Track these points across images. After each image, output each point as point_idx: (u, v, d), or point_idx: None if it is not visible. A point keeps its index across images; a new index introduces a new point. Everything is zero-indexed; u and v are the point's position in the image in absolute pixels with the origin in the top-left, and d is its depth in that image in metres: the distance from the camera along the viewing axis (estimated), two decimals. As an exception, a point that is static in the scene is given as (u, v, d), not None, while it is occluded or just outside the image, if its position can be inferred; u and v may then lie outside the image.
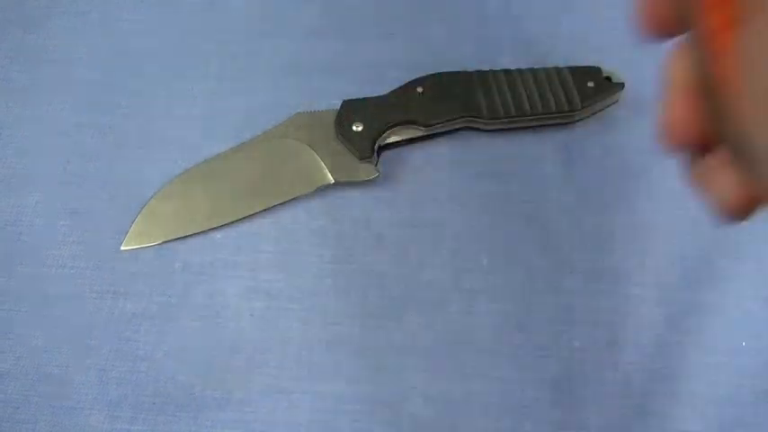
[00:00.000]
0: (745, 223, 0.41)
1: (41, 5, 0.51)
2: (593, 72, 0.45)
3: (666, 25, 0.22)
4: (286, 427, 0.37)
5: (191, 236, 0.42)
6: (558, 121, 0.44)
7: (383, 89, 0.45)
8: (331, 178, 0.43)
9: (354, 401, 0.37)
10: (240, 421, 0.37)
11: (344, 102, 0.44)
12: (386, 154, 0.45)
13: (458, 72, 0.45)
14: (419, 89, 0.44)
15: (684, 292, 0.39)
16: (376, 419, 0.36)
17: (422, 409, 0.37)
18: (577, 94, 0.44)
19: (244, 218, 0.42)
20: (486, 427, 0.36)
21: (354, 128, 0.43)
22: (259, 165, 0.44)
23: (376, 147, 0.43)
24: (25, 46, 0.50)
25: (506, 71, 0.45)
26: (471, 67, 0.46)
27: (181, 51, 0.49)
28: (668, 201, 0.42)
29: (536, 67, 0.45)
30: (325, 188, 0.43)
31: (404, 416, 0.37)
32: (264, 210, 0.43)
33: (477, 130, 0.45)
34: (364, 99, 0.45)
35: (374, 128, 0.43)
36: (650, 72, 0.47)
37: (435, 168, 0.44)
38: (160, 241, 0.42)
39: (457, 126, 0.45)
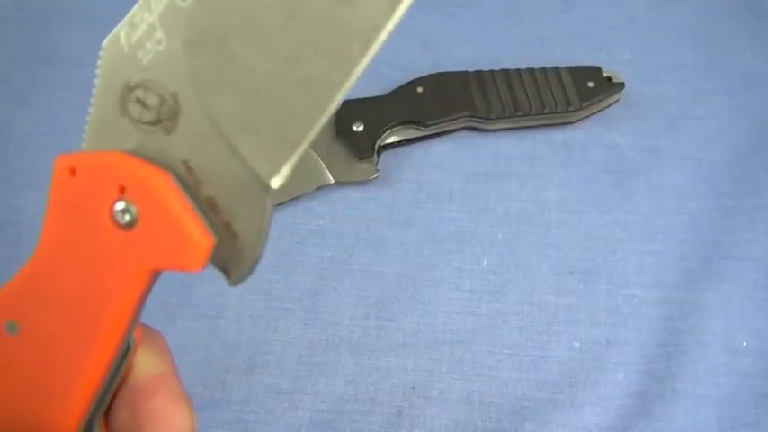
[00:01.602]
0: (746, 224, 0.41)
1: (41, 5, 0.51)
2: (593, 72, 0.45)
3: None
4: (286, 428, 0.37)
5: (191, 236, 0.42)
6: (558, 120, 0.44)
7: (383, 89, 0.45)
8: (331, 178, 0.43)
9: (354, 402, 0.37)
10: (240, 421, 0.37)
11: (344, 102, 0.44)
12: (386, 154, 0.45)
13: (457, 72, 0.45)
14: (419, 89, 0.44)
15: (684, 292, 0.39)
16: (376, 419, 0.36)
17: (422, 409, 0.37)
18: (577, 93, 0.44)
19: (244, 218, 0.42)
20: (486, 427, 0.36)
21: (354, 128, 0.43)
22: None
23: (376, 147, 0.43)
24: (25, 46, 0.50)
25: (506, 71, 0.45)
26: (471, 67, 0.46)
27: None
28: (668, 200, 0.42)
29: (536, 67, 0.45)
30: (325, 188, 0.43)
31: (404, 416, 0.37)
32: (264, 210, 0.43)
33: (477, 130, 0.45)
34: (364, 99, 0.45)
35: (374, 128, 0.43)
36: (650, 72, 0.48)
37: (435, 168, 0.44)
38: (160, 241, 0.42)
39: (457, 126, 0.45)
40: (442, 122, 0.44)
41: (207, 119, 0.18)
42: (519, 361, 0.38)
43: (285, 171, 0.17)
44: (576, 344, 0.38)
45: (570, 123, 0.45)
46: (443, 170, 0.44)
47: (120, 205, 0.18)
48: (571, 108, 0.44)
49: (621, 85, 0.44)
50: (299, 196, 0.43)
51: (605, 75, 0.45)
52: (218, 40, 0.17)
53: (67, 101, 0.47)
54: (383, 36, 0.17)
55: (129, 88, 0.18)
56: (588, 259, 0.40)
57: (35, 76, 0.48)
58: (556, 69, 0.45)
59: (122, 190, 0.18)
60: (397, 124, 0.44)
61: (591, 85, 0.44)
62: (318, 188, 0.43)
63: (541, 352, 0.38)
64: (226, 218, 0.18)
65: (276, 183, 0.17)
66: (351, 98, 0.44)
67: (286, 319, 0.39)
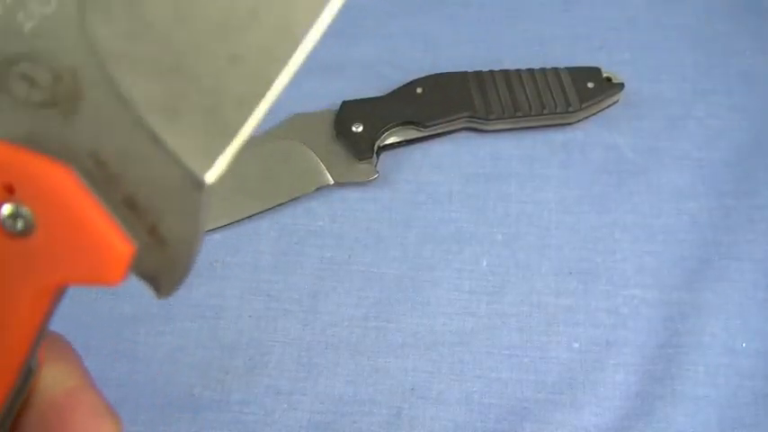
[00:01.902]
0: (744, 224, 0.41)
1: (41, 6, 0.51)
2: (592, 72, 0.45)
3: None
4: (285, 429, 0.37)
5: (190, 237, 0.42)
6: (558, 121, 0.44)
7: (383, 89, 0.45)
8: (330, 179, 0.43)
9: (354, 402, 0.37)
10: (239, 422, 0.37)
11: (344, 102, 0.44)
12: (385, 154, 0.45)
13: (457, 72, 0.45)
14: (419, 89, 0.44)
15: (684, 293, 0.39)
16: (375, 420, 0.36)
17: (421, 410, 0.37)
18: (577, 94, 0.44)
19: (244, 218, 0.42)
20: (486, 428, 0.36)
21: (354, 128, 0.43)
22: (259, 165, 0.44)
23: (375, 147, 0.43)
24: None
25: (506, 71, 0.45)
26: (471, 67, 0.46)
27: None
28: (668, 201, 0.42)
29: (535, 67, 0.45)
30: (324, 189, 0.43)
31: (403, 417, 0.37)
32: (264, 210, 0.43)
33: (477, 130, 0.45)
34: (364, 99, 0.44)
35: (374, 128, 0.43)
36: (650, 72, 0.48)
37: (435, 168, 0.44)
38: (159, 242, 0.42)
39: (456, 126, 0.45)
40: (441, 123, 0.44)
41: (118, 101, 0.14)
42: (518, 362, 0.38)
43: (222, 164, 0.15)
44: (576, 345, 0.38)
45: (570, 124, 0.45)
46: (443, 171, 0.44)
47: (7, 209, 0.14)
48: (571, 108, 0.43)
49: (621, 86, 0.44)
50: (298, 197, 0.43)
51: (605, 75, 0.45)
52: (125, 2, 0.14)
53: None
54: (336, 3, 0.14)
55: (9, 61, 0.15)
56: (588, 260, 0.40)
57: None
58: (555, 70, 0.45)
59: (10, 190, 0.14)
60: (397, 125, 0.44)
61: (590, 85, 0.44)
62: (317, 189, 0.43)
63: (541, 353, 0.38)
64: (150, 220, 0.15)
65: (211, 177, 0.15)
66: (350, 99, 0.44)
67: (285, 319, 0.39)
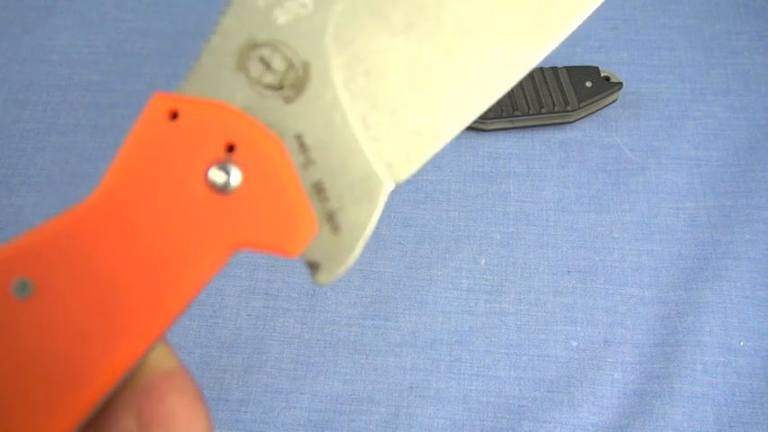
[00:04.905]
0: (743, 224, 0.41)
1: (41, 5, 0.52)
2: (591, 71, 0.45)
3: None
4: (284, 427, 0.37)
5: (189, 235, 0.42)
6: (557, 120, 0.44)
7: (381, 89, 0.45)
8: (329, 178, 0.43)
9: (352, 401, 0.37)
10: (238, 421, 0.37)
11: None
12: (384, 154, 0.45)
13: (456, 72, 0.45)
14: (417, 89, 0.44)
15: (682, 292, 0.39)
16: (374, 419, 0.36)
17: (419, 408, 0.37)
18: (575, 93, 0.44)
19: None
20: (484, 426, 0.36)
21: (352, 128, 0.43)
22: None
23: (374, 146, 0.43)
24: (25, 46, 0.50)
25: (504, 71, 0.45)
26: (469, 66, 0.46)
27: (179, 51, 0.49)
28: (666, 200, 0.42)
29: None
30: (323, 188, 0.43)
31: (401, 415, 0.37)
32: (263, 209, 0.43)
33: (475, 129, 0.45)
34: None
35: (372, 128, 0.43)
36: (648, 72, 0.48)
37: (433, 168, 0.44)
38: (158, 241, 0.42)
39: (455, 126, 0.45)
40: (440, 122, 0.44)
41: (333, 100, 0.16)
42: (517, 360, 0.38)
43: (408, 172, 0.16)
44: (574, 343, 0.38)
45: (568, 123, 0.45)
46: (441, 170, 0.44)
47: (222, 165, 0.16)
48: (569, 108, 0.44)
49: (620, 85, 0.44)
50: (298, 196, 0.43)
51: (603, 74, 0.45)
52: (374, 17, 0.16)
53: (66, 101, 0.47)
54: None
55: (254, 44, 0.17)
56: (586, 259, 0.40)
57: (34, 76, 0.48)
58: (554, 69, 0.45)
59: (230, 148, 0.16)
60: (396, 124, 0.44)
61: (589, 84, 0.44)
62: (316, 188, 0.43)
63: (539, 351, 0.38)
64: (331, 207, 0.16)
65: (396, 181, 0.16)
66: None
67: (284, 318, 0.39)
